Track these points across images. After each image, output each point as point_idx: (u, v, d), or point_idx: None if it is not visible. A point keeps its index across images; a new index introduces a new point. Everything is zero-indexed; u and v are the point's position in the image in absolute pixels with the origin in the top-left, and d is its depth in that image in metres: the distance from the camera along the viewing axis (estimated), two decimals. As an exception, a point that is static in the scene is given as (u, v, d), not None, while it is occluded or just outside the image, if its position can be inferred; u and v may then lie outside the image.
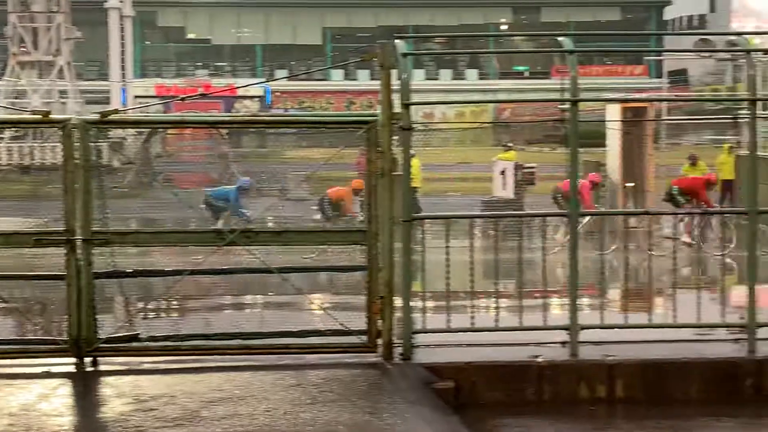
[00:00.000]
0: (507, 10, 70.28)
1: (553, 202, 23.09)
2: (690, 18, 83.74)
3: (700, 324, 10.06)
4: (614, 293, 13.74)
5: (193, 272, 9.87)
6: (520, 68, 68.65)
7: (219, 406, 7.89)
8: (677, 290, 10.62)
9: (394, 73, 9.34)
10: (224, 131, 10.71)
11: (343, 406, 7.93)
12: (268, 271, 9.64)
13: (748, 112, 10.68)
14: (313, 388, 8.39)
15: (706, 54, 41.47)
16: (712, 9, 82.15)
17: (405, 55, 9.49)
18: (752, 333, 9.59)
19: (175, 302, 13.55)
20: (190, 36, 68.70)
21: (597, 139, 26.59)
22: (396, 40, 9.52)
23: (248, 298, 15.64)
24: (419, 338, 9.49)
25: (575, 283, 9.53)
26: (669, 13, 75.11)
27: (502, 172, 26.31)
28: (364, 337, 9.42)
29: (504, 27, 69.00)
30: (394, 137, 9.37)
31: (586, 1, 69.75)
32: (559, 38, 9.98)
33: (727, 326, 10.07)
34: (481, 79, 67.57)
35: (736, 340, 9.73)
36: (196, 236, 9.82)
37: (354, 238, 9.67)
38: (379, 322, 9.34)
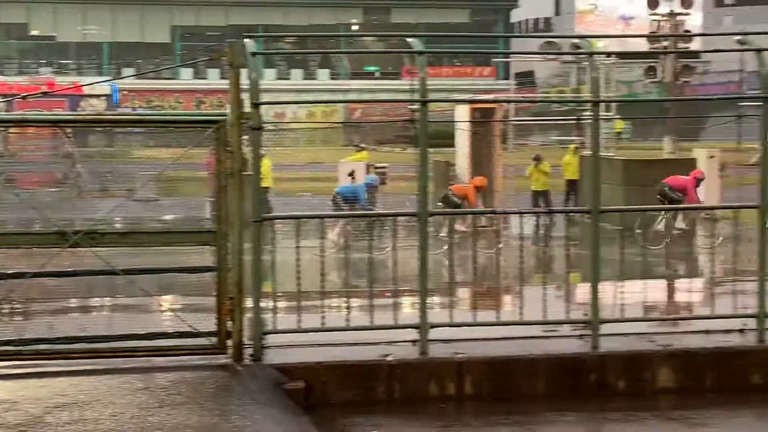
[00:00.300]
0: (357, 10, 70.60)
1: (661, 198, 23.70)
2: (536, 21, 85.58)
3: (546, 321, 10.24)
4: (465, 291, 13.92)
5: (35, 275, 9.60)
6: (371, 69, 69.04)
7: (64, 412, 7.69)
8: (525, 288, 10.82)
9: (243, 72, 9.28)
10: (69, 130, 10.44)
11: (192, 409, 7.83)
12: (114, 273, 9.45)
13: (591, 113, 10.93)
14: (161, 392, 8.26)
15: (552, 56, 42.41)
16: (557, 12, 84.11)
17: (254, 54, 9.43)
18: (595, 329, 9.82)
19: (17, 306, 13.15)
20: (34, 32, 66.96)
21: (447, 139, 26.94)
22: (245, 39, 9.45)
23: (95, 301, 15.29)
24: (270, 339, 9.43)
25: (425, 282, 9.60)
26: (516, 16, 76.64)
27: (351, 174, 26.40)
28: (214, 339, 9.32)
29: (355, 27, 69.33)
30: (244, 137, 9.29)
31: (435, 2, 70.53)
32: (409, 39, 10.05)
33: (572, 322, 10.29)
34: (332, 79, 67.72)
35: (581, 336, 9.95)
36: (39, 238, 9.55)
37: (203, 239, 9.56)
38: (229, 323, 9.26)
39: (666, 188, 23.90)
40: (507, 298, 13.79)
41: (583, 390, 9.47)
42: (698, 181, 24.09)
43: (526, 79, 67.80)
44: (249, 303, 9.32)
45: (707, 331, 10.24)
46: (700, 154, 29.69)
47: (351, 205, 22.58)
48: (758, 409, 9.45)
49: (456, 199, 24.45)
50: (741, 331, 10.13)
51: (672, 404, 9.39)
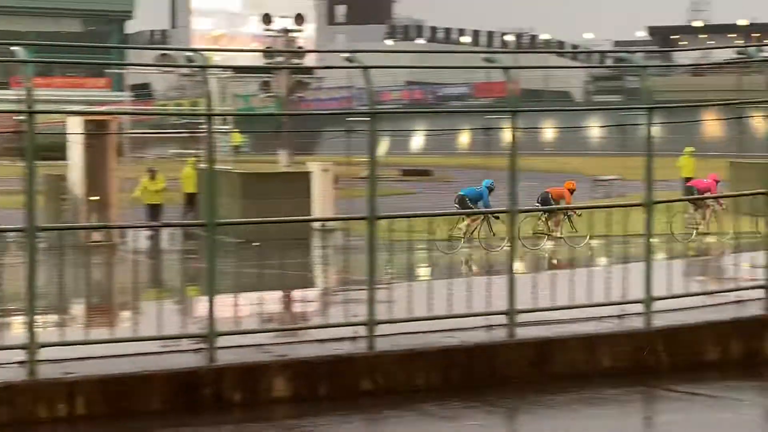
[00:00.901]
0: (-39, 16, 67.17)
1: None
2: (152, 33, 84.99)
3: (162, 336, 10.09)
4: (81, 309, 13.50)
5: None
6: (-22, 77, 65.85)
7: None
8: (143, 303, 10.63)
9: None
10: None
11: None
12: None
13: (206, 126, 10.93)
14: None
15: (167, 69, 42.25)
16: (173, 25, 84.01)
17: None
18: (212, 342, 9.79)
19: None
20: None
21: (59, 151, 26.14)
22: None
23: None
24: None
25: (33, 301, 9.20)
26: (131, 27, 75.86)
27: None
28: None
29: (-42, 34, 65.87)
30: None
31: (46, 11, 68.37)
32: (13, 48, 9.59)
33: (188, 337, 10.22)
34: (-69, 88, 63.93)
35: (198, 350, 9.90)
36: None
37: None
38: None
39: (694, 190, 28.07)
40: (125, 315, 13.54)
41: (200, 404, 9.41)
42: (717, 183, 28.54)
43: (142, 91, 67.17)
44: None
45: (322, 340, 10.47)
46: (314, 167, 30.56)
47: (476, 206, 25.02)
48: (367, 413, 9.79)
49: (554, 201, 26.50)
50: (353, 338, 10.45)
51: (287, 413, 9.54)
